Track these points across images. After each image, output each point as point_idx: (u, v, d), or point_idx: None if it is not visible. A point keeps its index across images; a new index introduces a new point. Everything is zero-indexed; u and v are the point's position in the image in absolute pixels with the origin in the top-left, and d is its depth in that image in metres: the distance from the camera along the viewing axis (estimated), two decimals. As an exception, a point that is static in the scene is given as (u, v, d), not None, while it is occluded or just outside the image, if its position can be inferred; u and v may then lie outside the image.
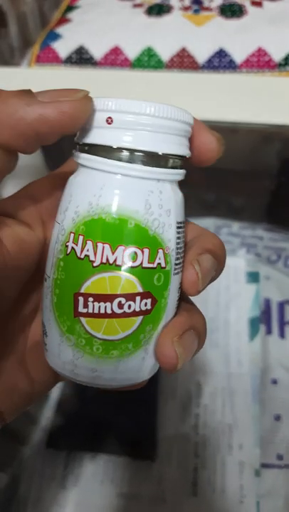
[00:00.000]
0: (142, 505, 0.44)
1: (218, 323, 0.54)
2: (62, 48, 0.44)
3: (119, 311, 0.17)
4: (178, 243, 0.18)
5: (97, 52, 0.43)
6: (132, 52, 0.43)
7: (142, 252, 0.16)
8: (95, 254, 0.16)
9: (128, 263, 0.16)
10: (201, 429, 0.48)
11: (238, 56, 0.42)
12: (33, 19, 0.65)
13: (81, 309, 0.17)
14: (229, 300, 0.55)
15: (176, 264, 0.18)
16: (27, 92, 0.16)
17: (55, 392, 0.51)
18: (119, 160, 0.17)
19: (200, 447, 0.47)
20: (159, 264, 0.17)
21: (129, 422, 0.49)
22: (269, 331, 0.54)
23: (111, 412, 0.49)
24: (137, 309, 0.17)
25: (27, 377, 0.21)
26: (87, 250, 0.16)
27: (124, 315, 0.17)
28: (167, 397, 0.50)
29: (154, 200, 0.17)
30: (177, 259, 0.18)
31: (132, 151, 0.17)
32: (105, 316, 0.17)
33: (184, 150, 0.18)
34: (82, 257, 0.16)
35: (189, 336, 0.18)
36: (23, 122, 0.15)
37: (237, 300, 0.56)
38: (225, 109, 0.38)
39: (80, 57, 0.44)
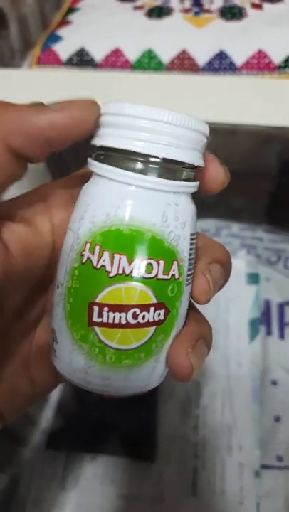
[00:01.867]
0: (141, 506, 0.44)
1: (218, 325, 0.54)
2: (63, 49, 0.45)
3: (134, 322, 0.17)
4: (190, 254, 0.18)
5: (98, 54, 0.44)
6: (132, 55, 0.43)
7: (158, 263, 0.17)
8: (112, 265, 0.16)
9: (144, 274, 0.16)
10: (201, 430, 0.48)
11: (238, 58, 0.42)
12: (34, 21, 0.66)
13: (95, 319, 0.17)
14: (229, 301, 0.56)
15: (188, 275, 0.18)
16: (38, 103, 0.17)
17: (55, 393, 0.51)
18: (138, 172, 0.17)
19: (200, 448, 0.47)
20: (173, 275, 0.17)
21: (129, 422, 0.49)
22: (269, 332, 0.54)
23: (111, 413, 0.49)
24: (151, 320, 0.17)
25: (29, 380, 0.21)
26: (104, 261, 0.16)
27: (138, 325, 0.17)
28: (167, 398, 0.50)
29: (170, 213, 0.17)
30: (189, 269, 0.18)
31: (150, 162, 0.17)
32: (120, 326, 0.17)
33: (200, 161, 0.18)
34: (98, 267, 0.16)
35: (201, 345, 0.19)
36: (35, 129, 0.16)
37: (237, 301, 0.56)
38: (225, 111, 0.39)
39: (81, 59, 0.44)
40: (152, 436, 0.47)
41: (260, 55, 0.41)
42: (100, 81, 0.41)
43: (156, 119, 0.16)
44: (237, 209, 0.64)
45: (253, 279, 0.57)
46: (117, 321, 0.17)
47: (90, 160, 0.18)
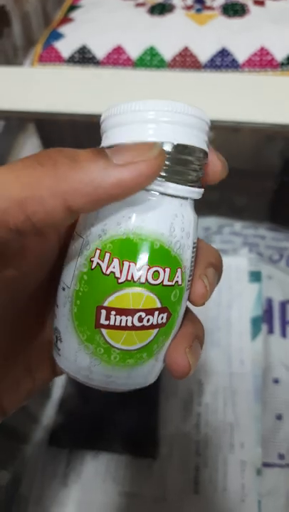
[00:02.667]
0: (143, 504, 0.44)
1: (220, 323, 0.54)
2: (65, 47, 0.45)
3: (139, 324, 0.18)
4: (192, 262, 0.19)
5: (100, 51, 0.44)
6: (134, 52, 0.43)
7: (164, 271, 0.17)
8: (121, 271, 0.17)
9: (151, 281, 0.17)
10: (203, 428, 0.48)
11: (241, 55, 0.42)
12: (36, 18, 0.66)
13: (103, 321, 0.17)
14: (231, 299, 0.56)
15: (188, 281, 0.19)
16: (101, 154, 0.16)
17: (57, 390, 0.52)
18: None
19: (201, 446, 0.47)
20: (176, 281, 0.18)
21: (131, 420, 0.49)
22: (271, 331, 0.54)
23: (113, 410, 0.49)
24: (154, 323, 0.18)
25: (30, 375, 0.22)
26: (113, 267, 0.17)
27: (143, 328, 0.18)
28: (169, 396, 0.50)
29: (177, 224, 0.18)
30: (190, 275, 0.19)
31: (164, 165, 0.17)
32: (126, 328, 0.18)
33: (206, 147, 0.19)
34: (107, 273, 0.17)
35: (196, 344, 0.20)
36: (100, 190, 0.15)
37: (239, 299, 0.56)
38: (227, 109, 0.38)
39: (83, 57, 0.44)
40: (154, 434, 0.47)
41: (263, 52, 0.41)
42: (102, 78, 0.41)
43: (163, 109, 0.17)
44: (239, 207, 0.64)
45: (255, 277, 0.57)
46: (123, 324, 0.17)
47: None
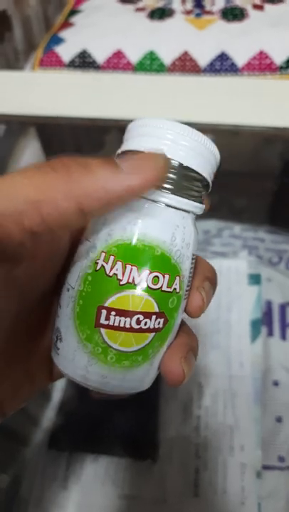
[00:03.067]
0: (143, 506, 0.44)
1: (220, 325, 0.54)
2: (66, 52, 0.45)
3: (136, 327, 0.19)
4: (190, 273, 0.20)
5: (100, 56, 0.44)
6: (134, 56, 0.43)
7: (164, 277, 0.19)
8: (123, 273, 0.18)
9: (150, 285, 0.18)
10: (203, 431, 0.48)
11: (240, 59, 0.42)
12: (37, 23, 0.66)
13: (102, 321, 0.18)
14: (231, 302, 0.56)
15: (186, 291, 0.20)
16: (111, 162, 0.17)
17: (57, 393, 0.52)
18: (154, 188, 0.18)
19: (201, 449, 0.47)
20: (174, 289, 0.19)
21: (131, 423, 0.49)
22: (270, 333, 0.54)
23: (112, 413, 0.49)
24: (151, 327, 0.19)
25: (30, 379, 0.22)
26: (116, 269, 0.18)
27: (140, 330, 0.19)
28: (168, 399, 0.50)
29: (178, 234, 0.19)
30: (188, 286, 0.20)
31: (168, 177, 0.18)
32: (124, 329, 0.18)
33: (210, 179, 0.20)
34: (110, 274, 0.18)
35: (191, 355, 0.21)
36: (111, 194, 0.16)
37: (238, 302, 0.56)
38: (227, 112, 0.39)
39: (83, 61, 0.44)
40: (154, 437, 0.47)
41: (262, 56, 0.41)
42: (102, 83, 0.42)
43: (181, 132, 0.18)
44: (239, 210, 0.65)
45: (255, 279, 0.57)
46: (122, 324, 0.18)
47: None
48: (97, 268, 0.18)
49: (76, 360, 0.19)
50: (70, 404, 0.51)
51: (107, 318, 0.18)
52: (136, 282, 0.18)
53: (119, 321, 0.18)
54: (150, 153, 0.18)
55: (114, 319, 0.18)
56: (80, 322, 0.19)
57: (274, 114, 0.38)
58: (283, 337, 0.53)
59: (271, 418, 0.48)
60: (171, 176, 0.18)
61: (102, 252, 0.18)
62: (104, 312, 0.18)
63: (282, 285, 0.57)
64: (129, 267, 0.18)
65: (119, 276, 0.18)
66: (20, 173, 0.16)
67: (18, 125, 0.51)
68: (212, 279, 0.22)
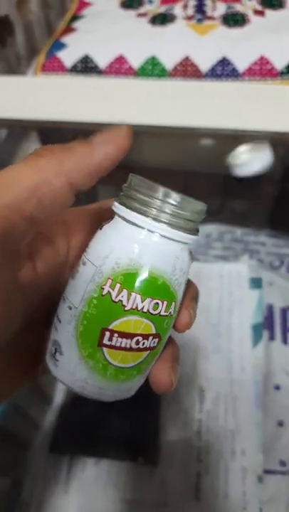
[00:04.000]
0: (144, 510, 0.44)
1: (221, 329, 0.54)
2: (68, 57, 0.45)
3: (135, 347, 0.20)
4: (183, 296, 0.22)
5: (102, 61, 0.44)
6: (136, 61, 0.44)
7: (162, 303, 0.20)
8: (128, 300, 0.20)
9: (151, 311, 0.20)
10: (204, 435, 0.48)
11: (241, 64, 0.42)
12: (39, 28, 0.67)
13: (106, 341, 0.20)
14: (232, 306, 0.56)
15: (177, 311, 0.22)
16: (87, 141, 0.20)
17: (59, 397, 0.52)
18: (162, 222, 0.20)
19: (203, 453, 0.47)
20: (170, 312, 0.21)
21: (132, 427, 0.49)
22: (272, 337, 0.54)
23: (114, 417, 0.49)
24: (148, 346, 0.21)
25: (21, 372, 0.24)
26: (122, 296, 0.20)
27: (138, 350, 0.21)
28: (170, 403, 0.50)
29: (178, 265, 0.21)
30: (179, 307, 0.22)
31: (174, 214, 0.20)
32: (124, 349, 0.20)
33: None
34: (116, 300, 0.20)
35: (176, 364, 0.23)
36: (95, 165, 0.19)
37: (240, 306, 0.56)
38: (228, 117, 0.39)
39: (85, 66, 0.44)
40: (155, 441, 0.47)
41: (263, 61, 0.42)
42: (104, 87, 0.42)
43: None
44: (240, 214, 0.65)
45: (256, 283, 0.57)
46: (123, 345, 0.20)
47: (115, 201, 0.21)
48: (103, 293, 0.20)
49: (77, 373, 0.21)
50: (71, 408, 0.51)
51: (110, 339, 0.20)
52: (139, 308, 0.20)
53: (121, 342, 0.20)
54: (115, 125, 0.20)
55: (117, 340, 0.20)
56: (82, 341, 0.21)
57: (275, 118, 0.38)
58: (285, 341, 0.53)
59: (272, 422, 0.48)
60: (174, 212, 0.20)
61: (109, 278, 0.20)
62: (107, 334, 0.20)
63: (283, 289, 0.57)
64: (134, 294, 0.20)
65: (124, 303, 0.20)
66: (14, 166, 0.18)
67: (20, 129, 0.52)
68: (197, 297, 0.24)
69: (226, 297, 0.56)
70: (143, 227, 0.20)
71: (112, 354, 0.20)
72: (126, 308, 0.20)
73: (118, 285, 0.20)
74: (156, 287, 0.20)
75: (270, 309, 0.56)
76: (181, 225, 0.20)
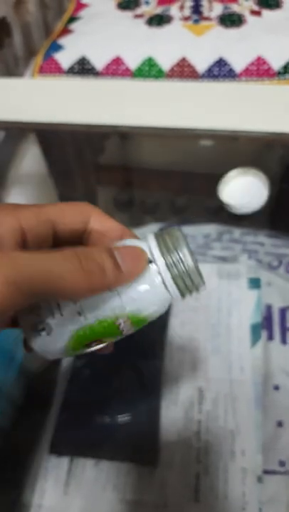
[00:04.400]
0: (144, 511, 0.44)
1: (220, 329, 0.54)
2: (65, 58, 0.45)
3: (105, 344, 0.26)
4: None
5: (99, 62, 0.44)
6: (133, 63, 0.44)
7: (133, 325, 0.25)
8: (128, 330, 0.24)
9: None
10: (204, 435, 0.48)
11: (238, 65, 0.42)
12: (37, 29, 0.67)
13: (93, 346, 0.25)
14: (231, 306, 0.56)
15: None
16: (117, 267, 0.22)
17: (58, 398, 0.52)
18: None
19: (202, 453, 0.47)
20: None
21: (132, 428, 0.49)
22: (271, 337, 0.54)
23: (114, 418, 0.49)
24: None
25: None
26: (126, 327, 0.24)
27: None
28: (169, 403, 0.50)
29: (165, 308, 0.25)
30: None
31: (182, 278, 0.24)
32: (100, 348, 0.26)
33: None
34: (121, 329, 0.24)
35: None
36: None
37: (238, 306, 0.56)
38: (225, 118, 0.39)
39: (82, 68, 0.44)
40: (155, 442, 0.47)
41: (260, 61, 0.42)
42: (101, 89, 0.42)
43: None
44: (239, 214, 0.65)
45: (255, 283, 0.57)
46: (100, 346, 0.25)
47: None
48: (116, 323, 0.23)
49: (57, 353, 0.24)
50: (71, 410, 0.51)
51: (97, 345, 0.25)
52: (128, 333, 0.25)
53: (102, 346, 0.25)
54: (142, 256, 0.23)
55: (98, 345, 0.25)
56: (76, 339, 0.24)
57: (272, 119, 0.38)
58: (283, 341, 0.53)
59: (272, 422, 0.48)
60: (183, 273, 0.24)
61: (127, 315, 0.23)
62: (97, 342, 0.24)
63: (282, 289, 0.57)
64: (133, 327, 0.24)
65: (124, 331, 0.24)
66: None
67: (18, 131, 0.52)
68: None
69: (224, 298, 0.56)
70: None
71: (91, 348, 0.25)
72: (122, 334, 0.24)
73: (129, 321, 0.24)
74: (147, 323, 0.25)
75: (268, 309, 0.56)
76: (178, 281, 0.24)
